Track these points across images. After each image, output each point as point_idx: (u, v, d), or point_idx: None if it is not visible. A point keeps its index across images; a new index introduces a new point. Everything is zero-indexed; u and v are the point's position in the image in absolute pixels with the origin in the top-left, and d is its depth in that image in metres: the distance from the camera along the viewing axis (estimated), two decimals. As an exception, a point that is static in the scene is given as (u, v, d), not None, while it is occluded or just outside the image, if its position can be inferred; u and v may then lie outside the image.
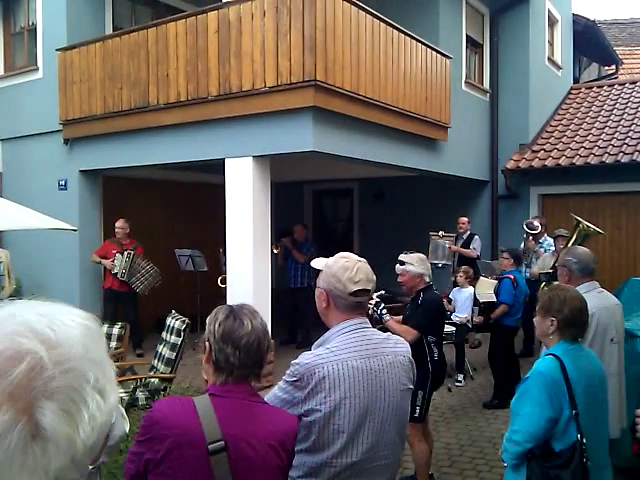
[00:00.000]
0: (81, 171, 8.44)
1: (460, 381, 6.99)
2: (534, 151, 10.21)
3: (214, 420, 1.66)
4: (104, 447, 0.77)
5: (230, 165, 6.84)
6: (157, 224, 9.32)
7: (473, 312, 7.12)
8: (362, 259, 2.20)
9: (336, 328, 2.09)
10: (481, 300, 6.90)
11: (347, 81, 6.50)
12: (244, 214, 6.74)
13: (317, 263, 2.30)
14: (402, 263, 4.11)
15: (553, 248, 7.49)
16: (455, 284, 7.85)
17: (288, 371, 2.02)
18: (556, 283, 3.78)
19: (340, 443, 1.94)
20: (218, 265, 8.22)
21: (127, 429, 2.53)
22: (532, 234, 7.72)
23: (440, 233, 8.81)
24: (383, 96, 7.13)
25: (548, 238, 7.88)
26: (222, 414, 1.68)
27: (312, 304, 8.29)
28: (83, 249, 8.27)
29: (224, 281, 7.18)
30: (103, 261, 7.98)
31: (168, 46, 7.08)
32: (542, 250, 7.43)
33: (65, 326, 0.73)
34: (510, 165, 10.10)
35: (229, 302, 6.83)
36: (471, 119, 9.95)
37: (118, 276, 7.88)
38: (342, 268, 2.12)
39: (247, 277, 6.73)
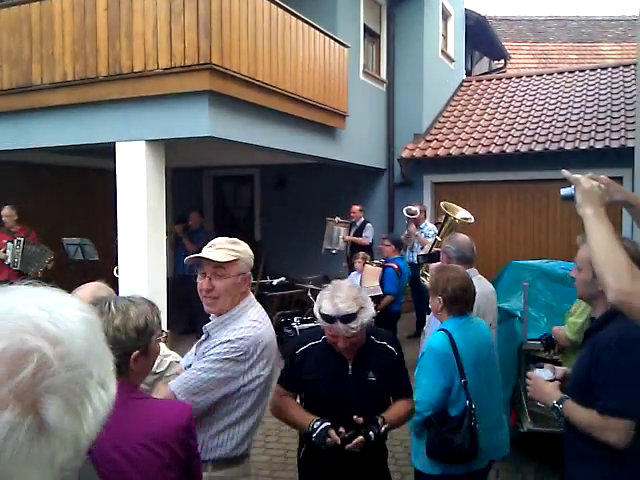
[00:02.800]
0: (-43, 154, 7.82)
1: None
2: (427, 141, 10.61)
3: None
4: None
5: (121, 149, 6.59)
6: (45, 210, 8.83)
7: None
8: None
9: (244, 303, 2.26)
10: (368, 295, 7.12)
11: (244, 66, 6.44)
12: (137, 200, 6.53)
13: (221, 257, 2.27)
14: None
15: (432, 232, 7.81)
16: (350, 269, 8.04)
17: (223, 349, 2.08)
18: (438, 264, 3.97)
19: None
20: (112, 254, 7.91)
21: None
22: (411, 219, 8.04)
23: (336, 219, 8.95)
24: (281, 83, 7.13)
25: (429, 223, 8.23)
26: None
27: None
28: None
29: (119, 271, 6.93)
30: None
31: (53, 23, 6.67)
32: (422, 234, 7.75)
33: (67, 320, 0.72)
34: (405, 154, 10.45)
35: (121, 292, 6.62)
36: (368, 108, 10.17)
37: (12, 266, 7.40)
38: (248, 248, 2.37)
39: (141, 266, 6.54)
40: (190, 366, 2.22)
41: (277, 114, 7.27)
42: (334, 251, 8.84)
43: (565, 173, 1.90)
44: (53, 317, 0.71)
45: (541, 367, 2.45)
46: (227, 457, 2.14)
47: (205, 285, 2.26)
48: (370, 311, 2.32)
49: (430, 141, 10.57)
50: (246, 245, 2.36)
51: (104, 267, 7.58)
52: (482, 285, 3.66)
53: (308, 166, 10.06)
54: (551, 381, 2.34)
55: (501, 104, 11.53)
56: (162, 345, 2.68)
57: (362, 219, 9.00)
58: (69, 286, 2.56)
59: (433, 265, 4.26)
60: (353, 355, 2.45)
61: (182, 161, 9.44)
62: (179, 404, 1.85)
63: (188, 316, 8.64)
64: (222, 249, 2.27)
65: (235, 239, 2.36)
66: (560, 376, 2.41)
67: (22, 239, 7.47)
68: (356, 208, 9.02)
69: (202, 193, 12.58)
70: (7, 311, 0.71)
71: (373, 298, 6.78)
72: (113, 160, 6.69)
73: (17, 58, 6.91)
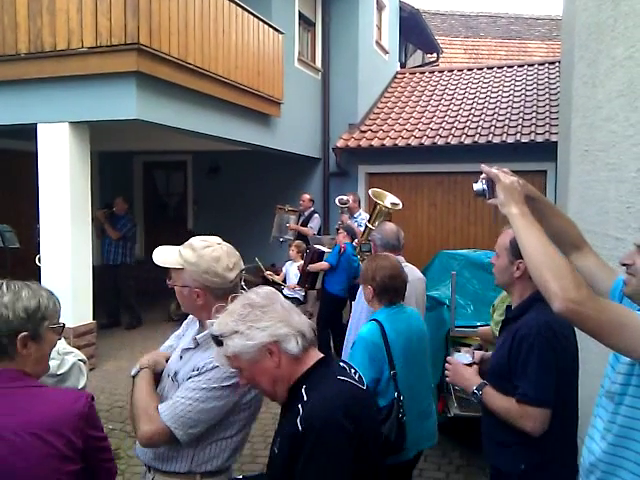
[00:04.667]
0: None
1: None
2: (362, 131, 10.67)
3: None
4: None
5: (43, 131, 6.26)
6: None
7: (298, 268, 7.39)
8: (218, 239, 2.05)
9: None
10: (315, 245, 7.24)
11: (174, 48, 6.24)
12: (60, 185, 6.23)
13: (165, 259, 2.04)
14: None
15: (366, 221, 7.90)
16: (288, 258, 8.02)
17: (222, 374, 1.83)
18: (374, 254, 3.97)
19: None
20: (33, 242, 7.53)
21: (82, 385, 2.31)
22: (342, 208, 8.10)
23: (286, 207, 8.87)
24: (214, 67, 6.96)
25: (363, 212, 8.30)
26: None
27: (129, 282, 7.92)
28: None
29: (41, 260, 6.60)
30: None
31: (-33, -7, 6.24)
32: (356, 224, 7.83)
33: None
34: (340, 144, 10.46)
35: (44, 281, 6.32)
36: (304, 96, 10.11)
37: None
38: (213, 260, 1.95)
39: (64, 254, 6.26)
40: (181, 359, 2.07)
41: (209, 99, 7.10)
42: (282, 239, 8.76)
43: (484, 168, 1.82)
44: None
45: (459, 352, 2.49)
46: (219, 469, 2.00)
47: (170, 284, 2.08)
48: (251, 342, 1.58)
49: (364, 131, 10.63)
50: (212, 254, 1.97)
51: (26, 255, 7.21)
52: (406, 272, 3.69)
53: (243, 153, 9.91)
54: (470, 365, 2.38)
55: (433, 97, 11.73)
56: (62, 342, 2.52)
57: (311, 209, 8.95)
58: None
59: None
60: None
61: (110, 145, 9.08)
62: (75, 393, 1.75)
63: (114, 308, 8.36)
64: (173, 250, 2.05)
65: (209, 242, 2.03)
66: (478, 359, 2.46)
67: None
68: (306, 197, 8.95)
69: (132, 179, 12.15)
70: None
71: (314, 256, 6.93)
72: (35, 142, 6.34)
73: None
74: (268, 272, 7.59)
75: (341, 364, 1.70)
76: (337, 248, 6.73)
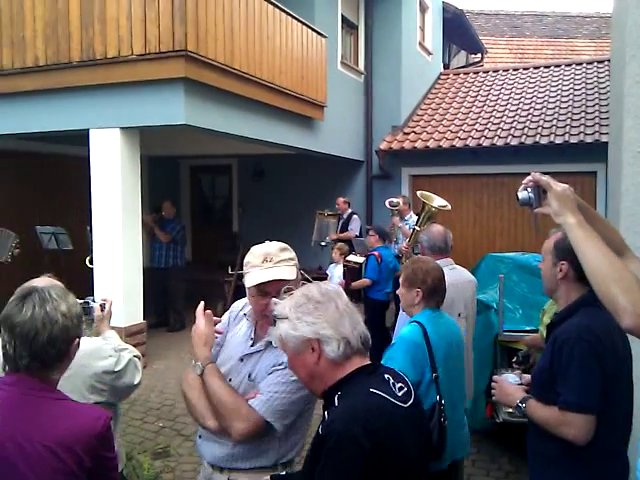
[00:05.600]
0: None
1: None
2: (405, 133, 10.61)
3: None
4: None
5: (95, 136, 6.46)
6: (14, 199, 8.62)
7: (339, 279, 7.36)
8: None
9: None
10: (347, 261, 7.18)
11: (220, 54, 6.35)
12: (112, 189, 6.41)
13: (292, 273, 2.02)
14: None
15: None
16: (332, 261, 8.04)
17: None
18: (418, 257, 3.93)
19: None
20: (85, 243, 7.77)
21: (137, 380, 2.34)
22: (393, 211, 8.07)
23: (325, 212, 8.97)
24: (258, 71, 7.05)
25: (413, 215, 8.24)
26: None
27: (179, 285, 8.04)
28: None
29: (92, 261, 6.81)
30: None
31: (24, 5, 6.50)
32: (407, 227, 7.77)
33: None
34: (383, 146, 10.43)
35: (96, 283, 6.51)
36: (347, 99, 10.12)
37: None
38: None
39: (116, 256, 6.43)
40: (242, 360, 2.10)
41: (254, 103, 7.19)
42: (323, 243, 8.85)
43: (535, 176, 1.72)
44: None
45: (509, 373, 2.42)
46: (294, 457, 2.09)
47: (273, 307, 1.94)
48: (295, 332, 1.59)
49: (408, 133, 10.57)
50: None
51: (78, 256, 7.45)
52: (454, 275, 3.61)
53: (286, 156, 10.00)
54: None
55: (478, 98, 11.58)
56: (117, 339, 2.57)
57: (349, 211, 9.02)
58: (37, 276, 2.48)
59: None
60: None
61: (158, 150, 9.29)
62: (97, 410, 1.70)
63: (162, 309, 8.53)
64: (283, 261, 2.04)
65: (282, 244, 2.11)
66: (527, 382, 2.36)
67: None
68: (340, 200, 9.04)
69: (179, 182, 12.42)
70: None
71: (350, 272, 6.91)
72: (86, 147, 6.55)
73: (-14, 42, 6.71)
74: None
75: (386, 376, 1.62)
76: (373, 261, 6.65)
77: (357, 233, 8.84)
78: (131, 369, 2.40)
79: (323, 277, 7.80)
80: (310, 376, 1.64)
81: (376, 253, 6.70)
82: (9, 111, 6.83)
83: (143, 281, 6.82)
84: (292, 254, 2.09)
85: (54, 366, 1.61)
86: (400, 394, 1.58)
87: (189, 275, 8.81)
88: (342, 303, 1.62)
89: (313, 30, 8.36)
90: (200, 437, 2.17)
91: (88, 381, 2.25)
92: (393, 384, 1.59)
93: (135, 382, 2.43)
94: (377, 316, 6.74)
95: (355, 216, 8.99)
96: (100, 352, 2.33)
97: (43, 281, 2.28)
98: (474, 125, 10.35)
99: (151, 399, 5.67)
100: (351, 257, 7.45)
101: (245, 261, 2.09)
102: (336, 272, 7.54)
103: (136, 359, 2.46)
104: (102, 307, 2.67)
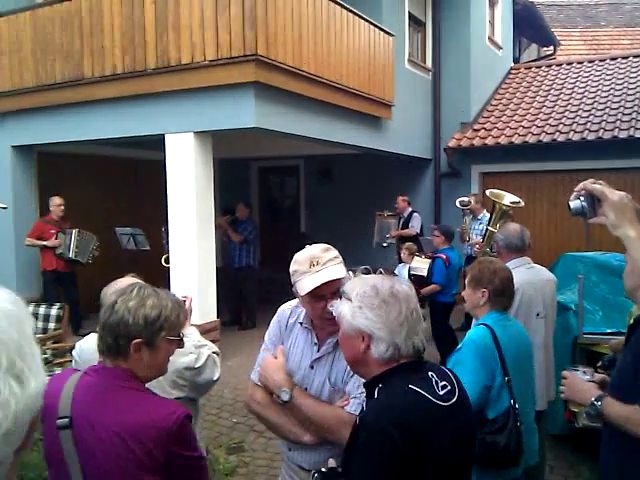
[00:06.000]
0: (14, 147, 8.07)
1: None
2: (475, 130, 10.39)
3: (69, 397, 1.65)
4: (30, 435, 0.74)
5: (170, 141, 6.68)
6: (94, 202, 9.04)
7: None
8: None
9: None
10: (412, 272, 7.06)
11: (289, 56, 6.43)
12: (186, 191, 6.62)
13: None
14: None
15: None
16: (400, 261, 7.97)
17: None
18: (484, 257, 3.84)
19: None
20: (161, 244, 8.06)
21: (216, 376, 2.39)
22: (464, 210, 7.92)
23: (385, 213, 8.96)
24: (326, 73, 7.09)
25: (487, 213, 8.06)
26: (79, 393, 1.65)
27: (253, 284, 8.20)
28: (18, 229, 7.94)
29: (168, 260, 7.06)
30: (48, 242, 7.63)
31: (103, 16, 6.80)
32: (480, 226, 7.61)
33: None
34: (452, 144, 10.26)
35: (172, 281, 6.74)
36: (414, 97, 10.02)
37: (68, 255, 7.61)
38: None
39: (191, 256, 6.63)
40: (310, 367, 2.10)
41: (322, 104, 7.24)
42: (385, 244, 8.84)
43: (586, 185, 1.58)
44: None
45: (578, 369, 2.29)
46: None
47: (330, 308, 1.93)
48: (351, 319, 1.60)
49: (478, 130, 10.35)
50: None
51: (154, 256, 7.74)
52: (532, 273, 3.52)
53: (353, 156, 10.01)
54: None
55: (551, 91, 11.19)
56: (197, 335, 2.64)
57: (409, 210, 8.97)
58: (121, 275, 2.59)
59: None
60: None
61: (229, 152, 9.52)
62: (174, 406, 1.69)
63: (235, 308, 8.72)
64: (330, 261, 2.02)
65: (324, 245, 2.09)
66: (599, 381, 2.19)
67: (78, 230, 7.69)
68: (400, 199, 9.01)
69: (249, 184, 12.67)
70: None
71: (417, 280, 6.80)
72: (162, 151, 6.79)
73: (69, 52, 7.08)
74: None
75: (430, 374, 1.58)
76: (441, 265, 6.52)
77: (418, 230, 8.77)
78: (210, 365, 2.46)
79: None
80: (355, 360, 1.65)
81: (443, 256, 6.58)
82: (90, 118, 7.17)
83: (218, 280, 7.01)
84: (336, 252, 2.07)
85: (122, 359, 1.68)
86: (442, 393, 1.55)
87: (259, 274, 8.98)
88: (408, 309, 1.59)
89: (380, 29, 8.33)
90: (290, 449, 2.16)
91: (170, 376, 2.31)
92: (436, 382, 1.57)
93: (214, 378, 2.49)
94: (442, 319, 6.64)
95: (416, 214, 8.94)
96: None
97: (127, 281, 2.39)
98: (547, 120, 10.01)
99: (225, 395, 5.82)
100: (414, 263, 7.28)
101: (292, 270, 2.04)
102: (404, 272, 7.48)
103: (215, 355, 2.51)
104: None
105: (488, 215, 7.91)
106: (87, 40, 6.93)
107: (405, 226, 8.84)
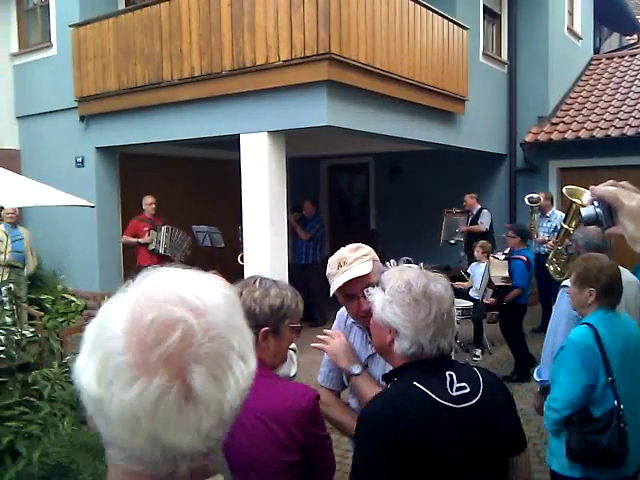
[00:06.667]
0: (97, 148, 8.48)
1: (478, 356, 6.99)
2: (553, 124, 10.03)
3: None
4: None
5: (245, 141, 6.81)
6: (173, 201, 9.34)
7: (486, 292, 7.07)
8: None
9: None
10: (496, 283, 6.86)
11: (362, 54, 6.42)
12: (260, 190, 6.73)
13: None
14: None
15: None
16: (468, 259, 7.82)
17: None
18: (588, 254, 3.68)
19: None
20: (236, 242, 8.25)
21: (293, 373, 2.50)
22: (533, 207, 7.66)
23: (453, 210, 8.85)
24: (399, 69, 7.04)
25: (556, 211, 7.78)
26: None
27: (318, 281, 8.21)
28: (101, 226, 8.35)
29: (243, 258, 7.22)
30: (141, 239, 7.93)
31: (181, 21, 7.02)
32: (550, 223, 7.36)
33: (209, 295, 0.75)
34: (529, 138, 9.95)
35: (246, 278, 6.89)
36: (489, 91, 9.79)
37: (159, 252, 7.91)
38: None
39: (264, 253, 6.75)
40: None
41: (395, 101, 7.18)
42: (452, 241, 8.73)
43: (595, 190, 1.32)
44: (196, 291, 0.75)
45: None
46: None
47: (365, 306, 1.95)
48: (380, 310, 1.62)
49: (556, 124, 9.98)
50: (367, 246, 2.15)
51: (229, 254, 7.93)
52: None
53: (424, 153, 9.88)
54: None
55: (635, 82, 10.62)
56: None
57: (477, 206, 8.81)
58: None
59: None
60: None
61: (299, 151, 9.61)
62: (304, 388, 1.80)
63: (306, 304, 8.81)
64: (357, 260, 2.07)
65: (355, 245, 2.13)
66: None
67: (170, 227, 7.98)
68: (468, 196, 8.92)
69: (318, 182, 12.76)
70: (154, 285, 0.75)
71: (501, 288, 6.62)
72: (236, 151, 6.94)
73: (149, 56, 7.35)
74: (457, 283, 7.32)
75: (448, 374, 1.56)
76: (522, 267, 6.32)
77: (487, 227, 8.59)
78: (287, 362, 2.51)
79: (455, 277, 7.56)
80: (381, 349, 1.69)
81: (524, 258, 6.38)
82: (169, 120, 7.43)
83: (288, 277, 7.10)
84: (366, 250, 2.10)
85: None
86: (456, 394, 1.53)
87: (324, 271, 9.01)
88: (439, 311, 1.56)
89: (454, 23, 8.18)
90: None
91: None
92: (451, 383, 1.54)
93: (291, 374, 2.54)
94: (515, 320, 6.42)
95: (485, 210, 8.76)
96: None
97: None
98: (631, 112, 9.52)
99: (297, 391, 5.88)
100: (494, 272, 7.04)
101: (327, 274, 2.12)
102: (478, 271, 7.31)
103: (292, 352, 2.56)
104: None
105: (557, 213, 7.64)
106: (166, 44, 7.17)
107: (474, 223, 8.69)
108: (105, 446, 0.75)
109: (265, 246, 6.72)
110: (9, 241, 6.88)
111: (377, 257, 2.13)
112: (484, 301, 7.00)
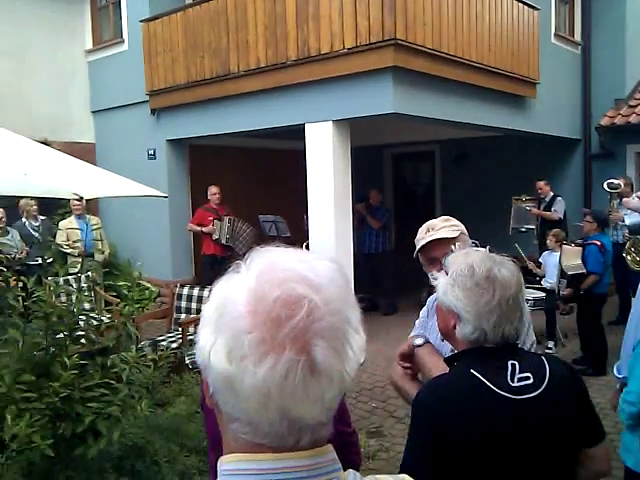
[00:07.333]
0: (168, 140, 8.73)
1: (550, 348, 6.79)
2: (631, 106, 9.52)
3: None
4: None
5: (310, 130, 6.83)
6: (240, 191, 9.51)
7: (561, 284, 6.82)
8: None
9: None
10: (569, 272, 6.60)
11: (428, 39, 6.29)
12: (325, 179, 6.75)
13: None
14: None
15: None
16: (540, 247, 7.56)
17: None
18: None
19: None
20: (302, 231, 8.31)
21: (362, 360, 2.59)
22: (612, 194, 7.29)
23: (523, 197, 8.60)
24: (467, 53, 6.86)
25: (637, 199, 7.39)
26: None
27: (389, 270, 8.25)
28: (173, 215, 8.61)
29: (309, 247, 7.27)
30: (204, 229, 8.16)
31: (247, 12, 7.09)
32: (629, 212, 7.01)
33: (324, 271, 0.78)
34: (604, 122, 9.50)
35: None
36: (562, 74, 9.40)
37: (222, 241, 8.10)
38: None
39: (329, 242, 6.77)
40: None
41: (462, 86, 7.01)
42: (523, 229, 8.46)
43: (629, 202, 1.30)
44: (312, 268, 0.78)
45: None
46: None
47: None
48: (442, 294, 1.62)
49: (634, 106, 9.46)
50: (458, 221, 2.24)
51: (295, 244, 7.98)
52: None
53: (492, 139, 9.61)
54: None
55: None
56: None
57: (551, 194, 8.50)
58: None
59: None
60: None
61: (363, 140, 9.55)
62: None
63: (372, 293, 8.79)
64: (445, 227, 2.15)
65: (446, 217, 2.25)
66: None
67: (233, 218, 8.15)
68: (541, 183, 8.62)
69: (382, 171, 12.66)
70: (272, 265, 0.78)
71: (575, 277, 6.38)
72: (300, 141, 6.97)
73: (216, 49, 7.48)
74: (530, 262, 7.18)
75: (511, 363, 1.50)
76: (595, 252, 6.05)
77: (561, 215, 8.27)
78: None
79: (537, 266, 7.35)
80: (445, 332, 1.67)
81: (597, 243, 6.10)
82: (236, 111, 7.54)
83: (357, 267, 7.10)
84: (456, 222, 2.16)
85: None
86: (516, 385, 1.47)
87: (394, 261, 8.97)
88: (503, 296, 1.51)
89: (524, 3, 7.88)
90: None
91: None
92: (512, 372, 1.49)
93: (360, 361, 2.54)
94: (594, 313, 6.16)
95: (559, 198, 8.47)
96: None
97: None
98: None
99: (363, 380, 5.90)
100: (566, 261, 6.77)
101: (415, 240, 2.21)
102: (551, 260, 7.08)
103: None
104: None
105: (638, 199, 7.25)
106: (233, 36, 7.27)
107: (547, 210, 8.40)
108: (226, 422, 0.79)
109: (330, 235, 6.74)
110: (80, 231, 7.18)
111: (466, 232, 2.18)
112: (562, 292, 6.76)
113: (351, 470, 0.84)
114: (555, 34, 9.28)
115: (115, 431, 2.55)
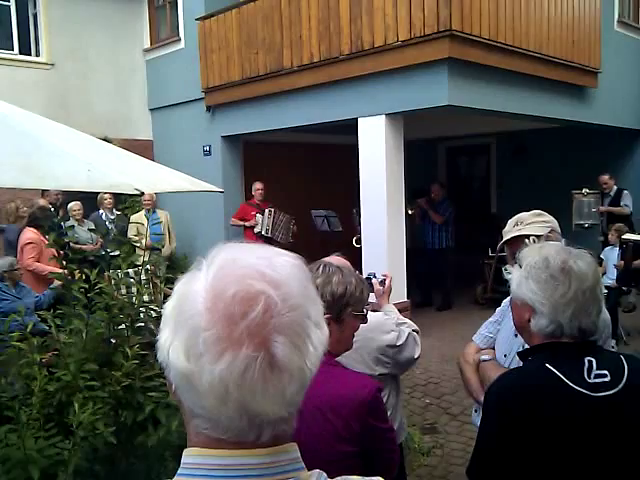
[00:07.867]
0: (223, 136, 8.86)
1: (613, 347, 6.55)
2: (701, 94, 9.06)
3: None
4: None
5: (363, 124, 6.81)
6: (293, 186, 9.58)
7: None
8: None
9: None
10: (624, 237, 6.36)
11: (485, 29, 6.16)
12: (377, 174, 6.71)
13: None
14: None
15: None
16: (604, 245, 7.30)
17: None
18: None
19: None
20: (352, 225, 8.30)
21: (417, 354, 2.51)
22: None
23: (584, 191, 8.25)
24: (525, 42, 6.68)
25: None
26: None
27: (448, 266, 8.14)
28: (227, 210, 8.75)
29: (359, 241, 7.25)
30: (247, 223, 8.29)
31: (300, 7, 7.12)
32: None
33: (282, 267, 0.78)
34: (672, 111, 9.07)
35: (364, 262, 6.92)
36: (626, 62, 9.03)
37: (263, 233, 8.21)
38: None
39: (381, 237, 6.74)
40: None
41: (520, 76, 6.83)
42: (587, 225, 8.15)
43: None
44: (271, 264, 0.77)
45: None
46: None
47: None
48: (517, 286, 1.61)
49: None
50: (550, 216, 2.18)
51: (345, 238, 8.00)
52: None
53: (551, 131, 9.33)
54: None
55: None
56: (396, 312, 2.65)
57: (615, 187, 8.16)
58: (314, 255, 2.71)
59: None
60: None
61: (417, 133, 9.44)
62: (366, 379, 1.77)
63: (423, 289, 8.70)
64: (533, 223, 2.10)
65: (538, 211, 2.19)
66: None
67: (272, 210, 8.23)
68: (605, 177, 8.29)
69: (437, 165, 12.48)
70: (230, 261, 0.78)
71: (632, 250, 6.16)
72: (352, 136, 6.95)
73: (270, 45, 7.54)
74: None
75: (588, 359, 1.46)
76: None
77: (631, 210, 7.92)
78: (411, 343, 2.48)
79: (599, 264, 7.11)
80: (520, 326, 1.64)
81: None
82: (289, 107, 7.59)
83: (408, 261, 7.04)
84: (547, 217, 2.08)
85: None
86: (592, 381, 1.44)
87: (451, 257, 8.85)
88: (579, 288, 1.47)
89: (586, -10, 7.61)
90: (476, 411, 2.22)
91: (373, 353, 2.37)
92: (589, 369, 1.45)
93: (415, 356, 2.51)
94: None
95: (626, 192, 8.13)
96: (383, 326, 2.45)
97: (334, 259, 2.50)
98: None
99: (417, 376, 5.85)
100: (629, 235, 6.63)
101: (502, 232, 2.17)
102: (612, 256, 6.84)
103: (415, 333, 2.54)
104: (382, 283, 2.81)
105: None
106: (286, 32, 7.31)
107: (613, 205, 8.08)
108: (188, 417, 0.79)
109: (382, 230, 6.71)
110: (148, 225, 7.39)
111: (559, 230, 2.12)
112: (614, 264, 6.58)
113: (317, 470, 0.82)
114: (619, 21, 8.92)
115: (174, 420, 2.61)
